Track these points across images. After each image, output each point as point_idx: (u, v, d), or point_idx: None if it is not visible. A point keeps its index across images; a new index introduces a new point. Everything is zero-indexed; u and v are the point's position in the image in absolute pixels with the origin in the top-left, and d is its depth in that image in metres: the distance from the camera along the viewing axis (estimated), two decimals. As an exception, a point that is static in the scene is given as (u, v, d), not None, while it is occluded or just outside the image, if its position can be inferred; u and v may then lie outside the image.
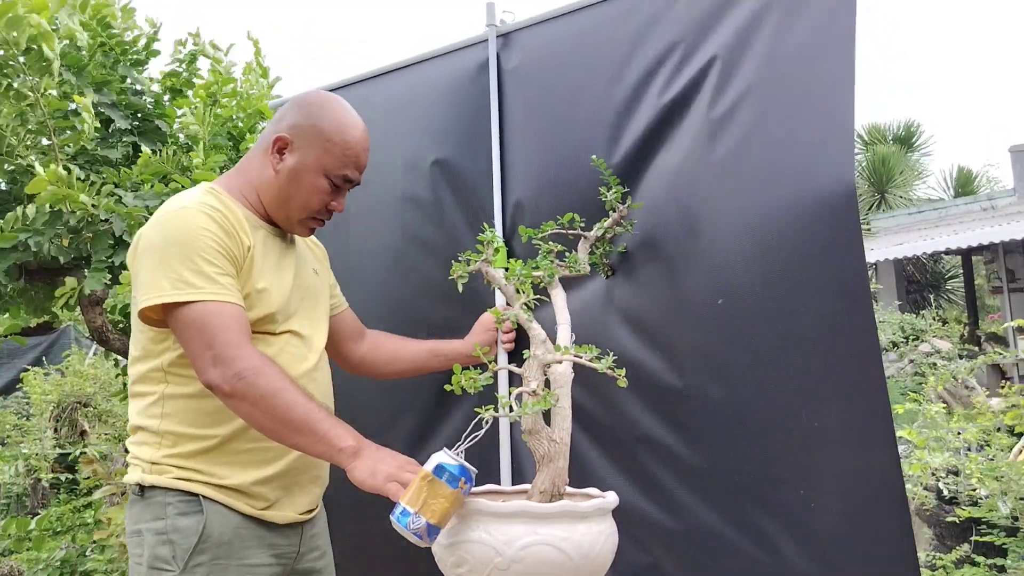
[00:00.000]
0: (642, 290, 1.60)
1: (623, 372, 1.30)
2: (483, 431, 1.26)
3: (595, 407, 1.64)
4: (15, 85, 2.18)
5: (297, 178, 1.44)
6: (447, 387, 1.33)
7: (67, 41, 2.27)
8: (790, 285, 1.43)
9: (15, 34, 2.07)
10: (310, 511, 1.49)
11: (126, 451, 1.46)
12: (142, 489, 1.36)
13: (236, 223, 1.39)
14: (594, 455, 1.64)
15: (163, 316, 1.32)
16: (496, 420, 1.69)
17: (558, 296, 1.50)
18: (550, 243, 1.57)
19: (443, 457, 1.21)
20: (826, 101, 1.42)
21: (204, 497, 1.34)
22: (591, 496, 1.33)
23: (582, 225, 1.59)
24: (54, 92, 2.23)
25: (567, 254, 1.57)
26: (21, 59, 2.12)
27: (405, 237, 1.96)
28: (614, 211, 1.58)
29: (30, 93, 2.17)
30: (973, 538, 3.12)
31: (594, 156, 1.57)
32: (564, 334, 1.43)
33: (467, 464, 1.21)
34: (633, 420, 1.59)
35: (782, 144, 1.46)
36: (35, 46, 2.13)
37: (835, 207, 1.38)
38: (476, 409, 1.27)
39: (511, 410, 1.27)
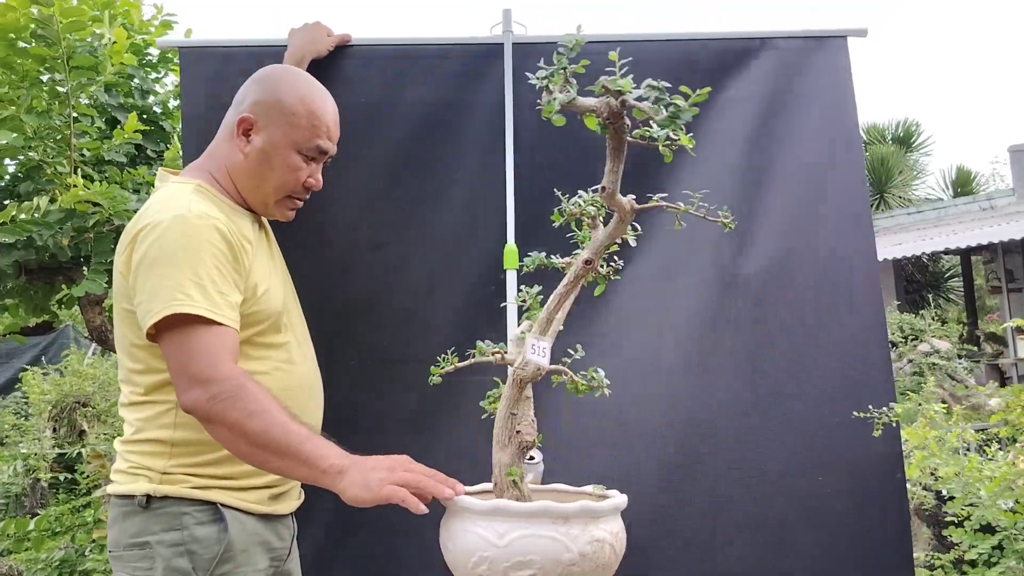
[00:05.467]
0: (691, 300, 1.82)
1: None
2: None
3: (629, 407, 1.76)
4: (54, 79, 2.21)
5: (268, 158, 1.38)
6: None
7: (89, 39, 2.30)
8: (818, 305, 1.81)
9: (71, 35, 2.11)
10: (300, 499, 1.50)
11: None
12: (149, 499, 1.29)
13: (239, 231, 1.34)
14: (624, 451, 1.77)
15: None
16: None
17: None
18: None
19: None
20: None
21: (222, 505, 1.31)
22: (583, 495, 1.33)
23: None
24: (85, 99, 2.26)
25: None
26: (68, 59, 2.15)
27: (399, 232, 1.88)
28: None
29: (64, 92, 2.20)
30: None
31: None
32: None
33: None
34: (671, 419, 1.78)
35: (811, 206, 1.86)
36: (85, 51, 2.17)
37: (856, 254, 1.83)
38: None
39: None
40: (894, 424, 1.78)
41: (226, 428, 1.20)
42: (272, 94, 1.39)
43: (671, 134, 1.07)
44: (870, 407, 1.77)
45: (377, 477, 1.15)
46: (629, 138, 1.09)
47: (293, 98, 1.39)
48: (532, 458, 1.45)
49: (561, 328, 1.39)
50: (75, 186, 2.09)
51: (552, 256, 1.38)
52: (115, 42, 2.26)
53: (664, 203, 1.21)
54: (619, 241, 1.37)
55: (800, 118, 1.88)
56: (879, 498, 1.76)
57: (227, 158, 1.41)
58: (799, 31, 1.93)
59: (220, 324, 1.24)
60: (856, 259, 1.83)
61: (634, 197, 1.18)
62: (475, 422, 1.46)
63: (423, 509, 1.14)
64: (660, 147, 1.07)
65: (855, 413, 1.75)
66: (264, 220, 1.54)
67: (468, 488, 1.34)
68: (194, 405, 1.20)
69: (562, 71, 1.10)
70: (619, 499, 1.22)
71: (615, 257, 1.32)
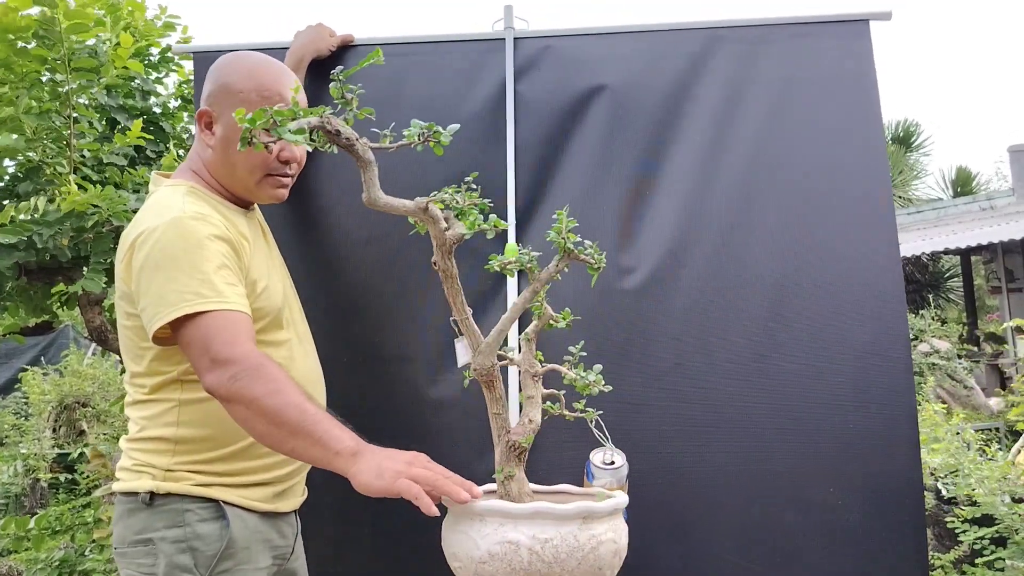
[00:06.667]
0: (704, 306, 1.76)
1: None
2: None
3: (646, 410, 1.74)
4: (55, 79, 2.21)
5: (231, 143, 1.39)
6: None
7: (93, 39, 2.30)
8: (835, 306, 1.72)
9: (75, 37, 2.11)
10: (303, 496, 1.51)
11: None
12: (152, 496, 1.31)
13: (235, 229, 1.36)
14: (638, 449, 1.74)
15: (170, 333, 1.27)
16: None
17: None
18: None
19: None
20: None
21: (224, 502, 1.32)
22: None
23: None
24: (85, 100, 2.26)
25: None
26: (70, 59, 2.15)
27: (394, 230, 1.83)
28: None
29: (64, 92, 2.19)
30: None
31: None
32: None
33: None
34: (678, 423, 1.74)
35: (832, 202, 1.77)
36: (88, 53, 2.17)
37: (877, 252, 1.74)
38: None
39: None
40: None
41: (244, 406, 1.20)
42: (220, 81, 1.42)
43: (418, 133, 1.18)
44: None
45: (393, 468, 1.12)
46: (391, 143, 1.18)
47: (238, 78, 1.41)
48: (613, 462, 1.46)
49: (563, 325, 1.38)
50: (73, 190, 2.09)
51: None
52: (119, 44, 2.25)
53: (432, 198, 1.21)
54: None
55: (818, 108, 1.78)
56: (895, 513, 1.65)
57: (202, 155, 1.44)
58: (817, 15, 1.82)
59: (234, 311, 1.26)
60: (878, 258, 1.73)
61: (425, 197, 1.21)
62: (470, 421, 1.45)
63: (434, 511, 1.11)
64: (418, 147, 1.17)
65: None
66: (260, 217, 1.56)
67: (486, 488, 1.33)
68: (216, 385, 1.21)
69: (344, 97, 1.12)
70: (544, 505, 1.12)
71: (588, 244, 1.28)
